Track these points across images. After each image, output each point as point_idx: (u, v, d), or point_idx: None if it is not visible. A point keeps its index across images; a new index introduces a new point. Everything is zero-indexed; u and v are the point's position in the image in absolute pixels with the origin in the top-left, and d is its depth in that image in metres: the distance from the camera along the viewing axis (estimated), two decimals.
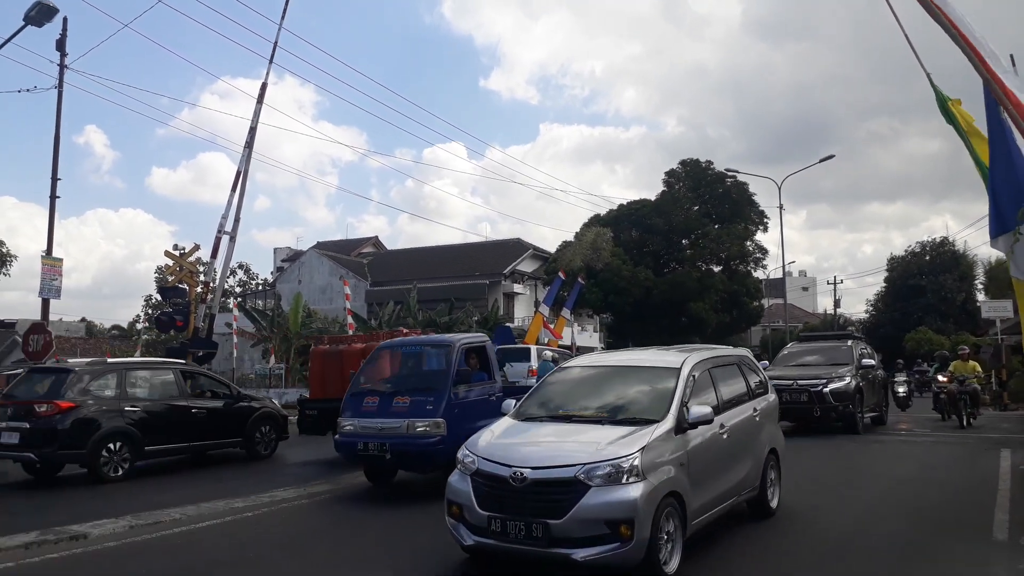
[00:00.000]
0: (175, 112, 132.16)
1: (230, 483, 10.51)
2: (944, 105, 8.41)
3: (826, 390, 14.82)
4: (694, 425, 6.22)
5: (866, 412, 16.05)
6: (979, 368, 17.45)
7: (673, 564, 5.63)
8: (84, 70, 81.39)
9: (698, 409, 6.27)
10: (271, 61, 17.96)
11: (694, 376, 6.74)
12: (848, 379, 15.10)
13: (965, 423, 16.66)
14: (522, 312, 45.11)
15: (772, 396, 8.50)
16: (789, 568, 6.13)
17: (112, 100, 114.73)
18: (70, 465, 11.08)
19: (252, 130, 17.40)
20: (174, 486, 10.32)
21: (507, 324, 35.21)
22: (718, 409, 6.78)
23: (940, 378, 18.56)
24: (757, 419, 7.65)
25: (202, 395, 12.70)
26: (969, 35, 6.71)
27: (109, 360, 12.75)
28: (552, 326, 28.65)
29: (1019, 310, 8.07)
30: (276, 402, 15.40)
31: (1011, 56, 8.22)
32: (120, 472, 10.78)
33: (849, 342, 17.07)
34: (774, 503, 7.87)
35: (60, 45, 17.93)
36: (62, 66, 17.83)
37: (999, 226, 7.70)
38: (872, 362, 16.89)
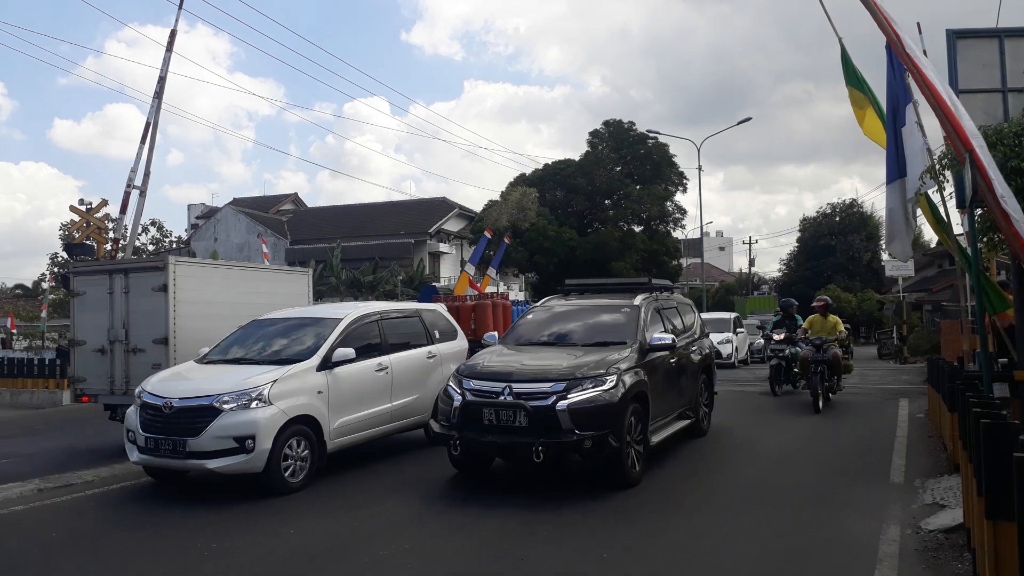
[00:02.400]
0: (79, 60, 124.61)
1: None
2: (851, 74, 8.76)
3: (561, 406, 6.90)
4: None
5: (661, 427, 8.42)
6: (841, 326, 13.28)
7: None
8: None
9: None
10: (180, 7, 17.12)
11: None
12: (609, 381, 7.14)
13: (820, 404, 12.10)
14: (448, 271, 44.96)
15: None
16: (702, 518, 6.39)
17: (8, 45, 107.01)
18: None
19: (161, 79, 16.63)
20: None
21: (433, 284, 35.08)
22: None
23: (776, 336, 14.72)
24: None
25: None
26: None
27: None
28: (479, 285, 28.69)
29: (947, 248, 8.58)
30: None
31: (917, 24, 8.58)
32: None
33: (639, 299, 8.81)
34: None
35: None
36: None
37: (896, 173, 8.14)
38: (668, 339, 8.25)
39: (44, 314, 31.59)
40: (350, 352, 7.95)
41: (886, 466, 8.06)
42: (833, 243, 52.93)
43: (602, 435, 6.73)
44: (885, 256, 50.21)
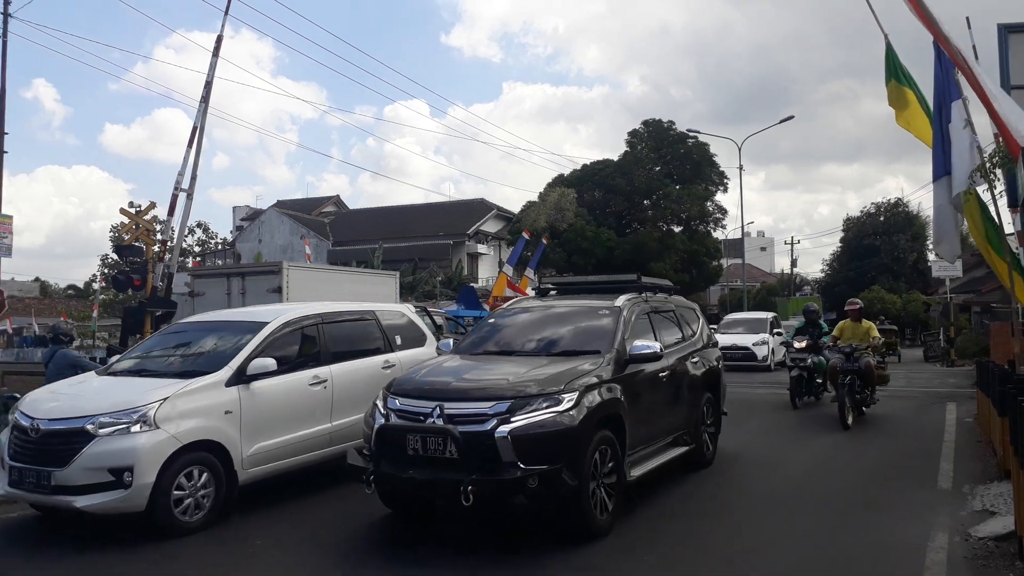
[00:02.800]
0: (128, 66, 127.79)
1: None
2: (893, 69, 8.59)
3: (501, 432, 5.41)
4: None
5: (646, 458, 6.83)
6: (875, 332, 11.61)
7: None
8: (30, 19, 77.95)
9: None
10: (226, 13, 17.40)
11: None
12: (567, 400, 5.66)
13: (850, 419, 10.62)
14: (486, 272, 45.11)
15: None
16: (740, 518, 6.34)
17: (61, 52, 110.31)
18: None
19: (208, 84, 16.90)
20: None
21: (471, 284, 35.23)
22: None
23: (797, 344, 13.07)
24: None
25: None
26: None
27: None
28: (517, 285, 28.76)
29: (991, 266, 8.34)
30: None
31: (966, 18, 8.39)
32: None
33: (621, 301, 7.32)
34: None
35: None
36: (6, 15, 17.11)
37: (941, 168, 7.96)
38: (652, 349, 6.71)
39: (95, 314, 32.42)
40: (270, 363, 6.54)
41: (934, 471, 7.90)
42: (877, 243, 51.88)
43: (553, 470, 5.18)
44: (931, 256, 49.06)
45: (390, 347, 8.18)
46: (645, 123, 42.48)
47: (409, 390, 5.89)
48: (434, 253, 41.72)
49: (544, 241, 31.66)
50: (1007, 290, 8.39)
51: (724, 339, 21.97)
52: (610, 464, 5.80)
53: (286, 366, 6.87)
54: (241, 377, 6.43)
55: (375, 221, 49.19)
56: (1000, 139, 6.80)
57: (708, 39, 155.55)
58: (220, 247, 55.47)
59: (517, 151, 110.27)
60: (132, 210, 18.53)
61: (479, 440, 5.29)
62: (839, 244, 57.41)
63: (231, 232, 56.04)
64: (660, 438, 7.08)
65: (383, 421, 5.73)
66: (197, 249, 54.58)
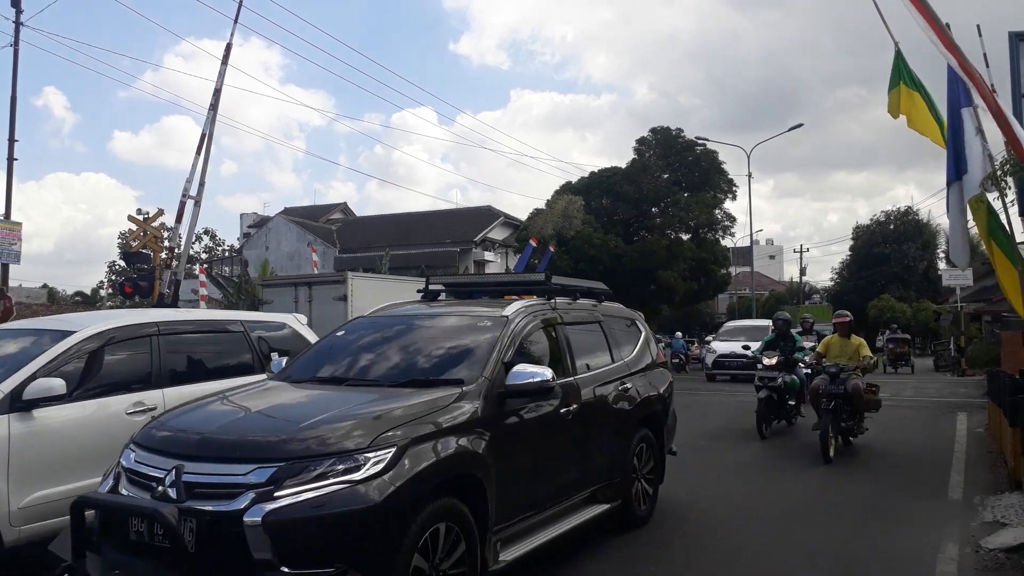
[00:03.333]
0: (138, 74, 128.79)
1: None
2: (901, 74, 8.55)
3: (252, 517, 3.45)
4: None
5: (535, 528, 4.93)
6: (866, 350, 10.00)
7: None
8: (41, 28, 78.65)
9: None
10: (236, 21, 17.48)
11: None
12: (370, 462, 3.72)
13: (832, 451, 8.98)
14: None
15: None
16: (753, 527, 6.27)
17: (72, 60, 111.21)
18: None
19: (217, 92, 16.98)
20: None
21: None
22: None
23: (766, 360, 11.24)
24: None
25: None
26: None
27: None
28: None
29: (997, 276, 8.26)
30: None
31: (977, 27, 8.34)
32: None
33: (512, 309, 5.42)
34: None
35: (15, 0, 17.32)
36: (17, 23, 17.25)
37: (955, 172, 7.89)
38: (541, 377, 4.72)
39: None
40: (55, 385, 4.84)
41: (944, 482, 7.82)
42: (887, 252, 51.70)
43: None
44: (942, 265, 48.85)
45: (261, 366, 6.34)
46: (653, 130, 42.46)
47: (153, 440, 4.08)
48: (441, 260, 41.75)
49: (551, 248, 31.73)
50: (1008, 301, 8.30)
51: (723, 347, 22.21)
52: (450, 549, 3.94)
53: (96, 389, 5.30)
54: (15, 403, 4.75)
55: (382, 228, 49.29)
56: (1010, 147, 6.74)
57: (716, 47, 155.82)
58: (227, 254, 55.65)
59: (524, 158, 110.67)
60: (140, 217, 18.66)
61: (222, 526, 3.47)
62: (848, 252, 57.32)
63: (238, 239, 56.27)
64: (563, 497, 5.20)
65: (108, 486, 4.08)
66: (204, 256, 54.77)
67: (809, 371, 10.96)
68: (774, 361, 11.09)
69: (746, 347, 16.00)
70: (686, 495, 7.21)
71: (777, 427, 11.30)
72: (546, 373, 4.65)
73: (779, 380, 10.92)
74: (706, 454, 9.56)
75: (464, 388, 4.41)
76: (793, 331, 11.79)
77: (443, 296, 6.47)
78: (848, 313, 10.55)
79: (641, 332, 6.96)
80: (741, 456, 9.66)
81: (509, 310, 5.29)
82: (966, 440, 10.53)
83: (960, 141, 7.71)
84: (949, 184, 8.00)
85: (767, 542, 5.83)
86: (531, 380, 4.60)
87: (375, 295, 12.54)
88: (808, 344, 13.12)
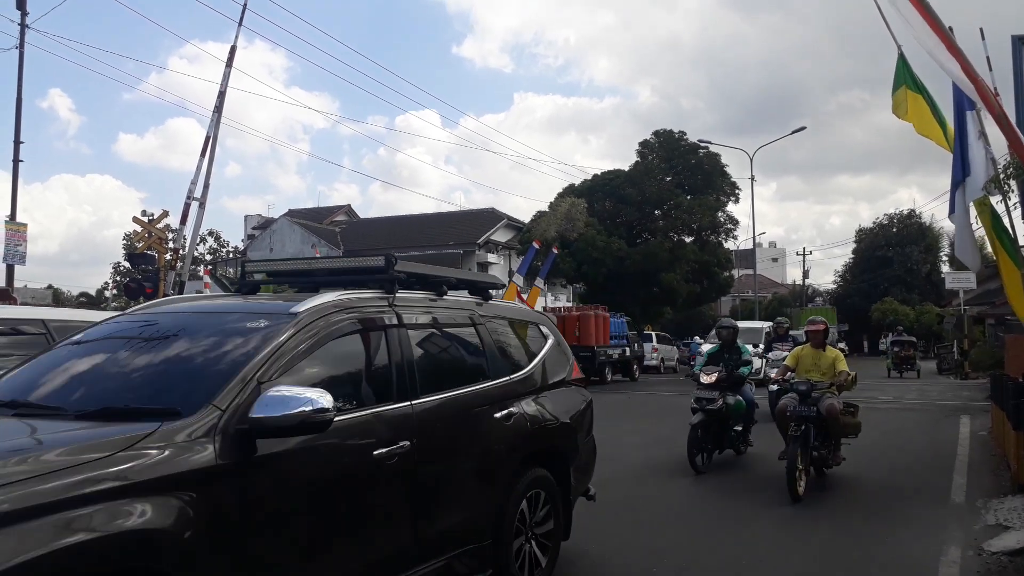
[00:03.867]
0: (143, 76, 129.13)
1: None
2: (904, 78, 8.56)
3: None
4: None
5: None
6: (843, 364, 8.36)
7: None
8: (46, 30, 78.91)
9: None
10: (240, 23, 17.59)
11: None
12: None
13: (802, 486, 7.33)
14: None
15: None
16: (755, 529, 6.28)
17: (77, 63, 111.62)
18: None
19: (221, 94, 17.07)
20: None
21: None
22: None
23: (704, 378, 9.20)
24: None
25: None
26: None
27: None
28: (525, 296, 28.76)
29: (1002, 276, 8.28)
30: None
31: (980, 29, 8.36)
32: None
33: (307, 306, 3.68)
34: None
35: (21, 3, 17.40)
36: (23, 25, 17.33)
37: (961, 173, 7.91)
38: (315, 402, 2.99)
39: None
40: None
41: (947, 485, 7.82)
42: (890, 254, 51.70)
43: None
44: (945, 268, 48.76)
45: None
46: (656, 133, 42.49)
47: None
48: (444, 262, 41.68)
49: (554, 251, 31.68)
50: (1011, 304, 8.32)
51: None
52: None
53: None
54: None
55: (386, 230, 49.36)
56: (1012, 150, 6.75)
57: (719, 51, 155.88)
58: (231, 255, 55.75)
59: (528, 161, 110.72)
60: (145, 218, 18.72)
61: None
62: (851, 255, 57.32)
63: (243, 240, 56.33)
64: (385, 570, 3.61)
65: None
66: (208, 257, 54.84)
67: (776, 387, 9.04)
68: (713, 378, 8.89)
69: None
70: (604, 552, 5.46)
71: (722, 458, 9.22)
72: (318, 399, 2.98)
73: (719, 402, 8.71)
74: (644, 490, 7.63)
75: (173, 423, 2.82)
76: (740, 342, 9.80)
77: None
78: (823, 320, 8.58)
79: (546, 340, 5.35)
80: (688, 494, 7.64)
81: (302, 306, 3.63)
82: (969, 443, 10.53)
83: (964, 143, 7.73)
84: (955, 186, 8.02)
85: None
86: (290, 411, 2.91)
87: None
88: (782, 353, 12.31)
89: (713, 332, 23.02)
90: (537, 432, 4.76)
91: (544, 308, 24.99)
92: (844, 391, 8.29)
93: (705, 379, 8.97)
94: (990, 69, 8.92)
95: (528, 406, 4.74)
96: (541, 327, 5.48)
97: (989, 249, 8.46)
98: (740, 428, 9.25)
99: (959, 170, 7.93)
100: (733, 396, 8.96)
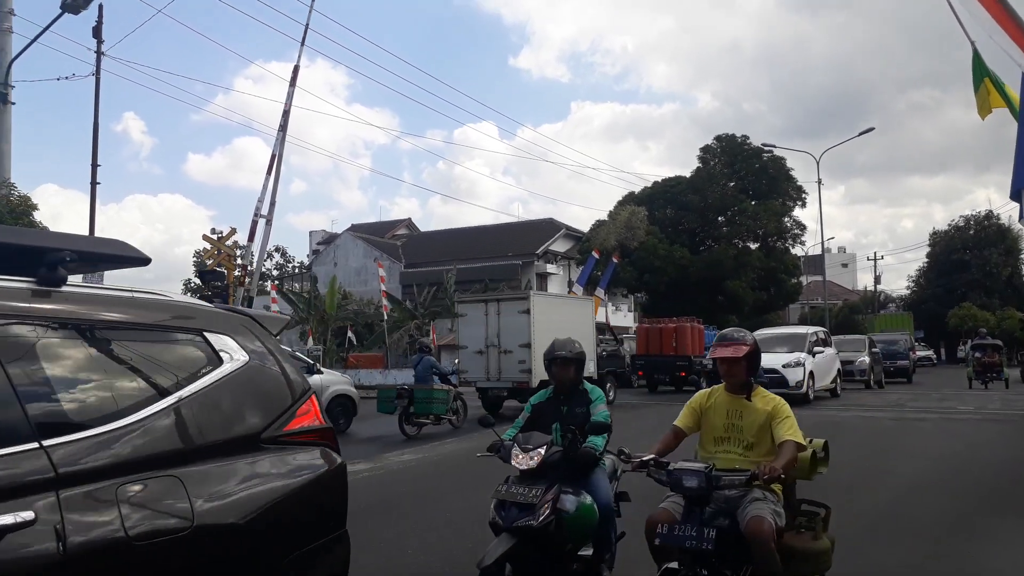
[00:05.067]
0: (210, 97, 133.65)
1: None
2: (984, 71, 8.18)
3: None
4: None
5: None
6: (790, 430, 3.72)
7: None
8: (120, 56, 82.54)
9: None
10: (303, 43, 18.02)
11: None
12: None
13: None
14: (556, 292, 45.05)
15: None
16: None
17: (148, 87, 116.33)
18: None
19: (285, 113, 17.50)
20: None
21: None
22: None
23: (517, 461, 4.10)
24: None
25: None
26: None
27: None
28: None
29: None
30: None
31: None
32: None
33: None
34: None
35: (96, 32, 18.19)
36: (99, 53, 18.09)
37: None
38: None
39: None
40: None
41: None
42: (967, 258, 49.70)
43: None
44: None
45: None
46: (718, 138, 41.88)
47: None
48: (503, 274, 41.88)
49: (615, 260, 31.44)
50: None
51: None
52: None
53: None
54: None
55: (445, 243, 49.81)
56: None
57: (782, 52, 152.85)
58: (297, 271, 57.05)
59: (586, 170, 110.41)
60: (214, 236, 19.27)
61: None
62: (925, 259, 55.31)
63: (308, 256, 57.62)
64: None
65: None
66: (275, 273, 56.22)
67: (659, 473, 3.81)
68: (534, 463, 4.12)
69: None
70: None
71: None
72: None
73: (541, 512, 3.91)
74: None
75: None
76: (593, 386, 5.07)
77: None
78: (740, 338, 4.03)
79: (218, 363, 2.73)
80: None
81: None
82: None
83: None
84: (1020, 190, 7.63)
85: None
86: None
87: (549, 309, 16.78)
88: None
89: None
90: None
91: (641, 321, 25.69)
92: (788, 484, 3.95)
93: (518, 461, 4.16)
94: None
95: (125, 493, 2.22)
96: (209, 336, 2.79)
97: None
98: (590, 552, 4.34)
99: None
100: (572, 496, 4.12)
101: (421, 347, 15.54)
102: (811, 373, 17.62)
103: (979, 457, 10.08)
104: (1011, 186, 7.79)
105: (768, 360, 16.67)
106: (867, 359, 24.41)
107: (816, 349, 18.47)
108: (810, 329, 20.33)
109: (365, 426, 14.71)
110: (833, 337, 26.52)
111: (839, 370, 20.16)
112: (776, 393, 4.16)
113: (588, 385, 4.67)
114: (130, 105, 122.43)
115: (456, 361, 17.51)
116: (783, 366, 17.02)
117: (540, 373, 15.40)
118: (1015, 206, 8.13)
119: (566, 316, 16.97)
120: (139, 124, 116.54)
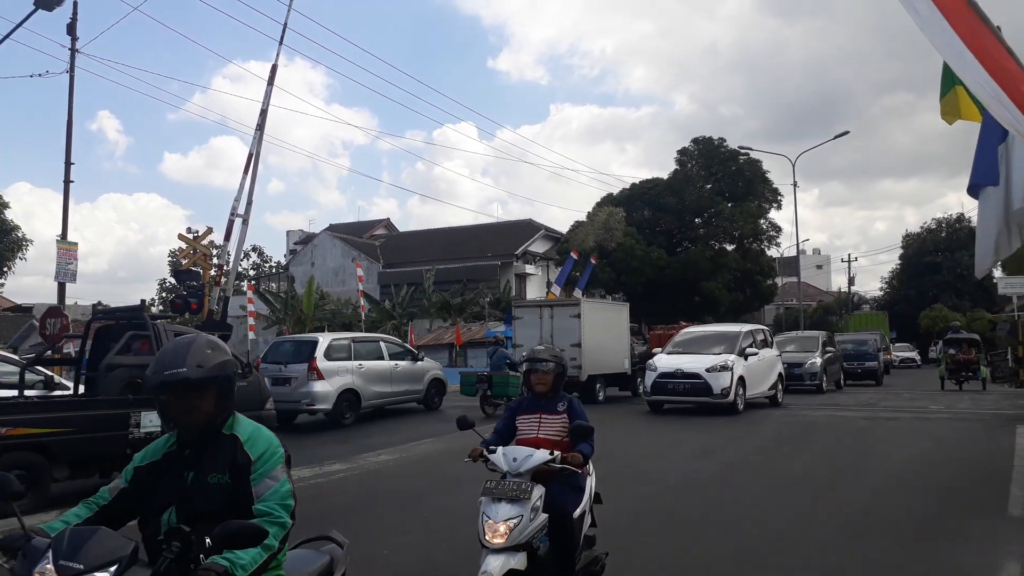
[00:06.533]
0: (187, 96, 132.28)
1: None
2: (954, 79, 8.35)
3: None
4: None
5: None
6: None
7: None
8: (95, 54, 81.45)
9: None
10: (281, 42, 17.97)
11: None
12: None
13: None
14: (534, 293, 45.08)
15: None
16: (810, 542, 6.13)
17: (124, 84, 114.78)
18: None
19: (263, 112, 17.35)
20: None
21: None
22: None
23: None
24: None
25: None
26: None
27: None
28: None
29: None
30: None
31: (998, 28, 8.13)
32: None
33: None
34: None
35: (71, 29, 17.95)
36: (73, 50, 17.86)
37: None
38: None
39: None
40: None
41: (1003, 497, 7.54)
42: (939, 260, 50.53)
43: None
44: (997, 273, 47.39)
45: None
46: (695, 141, 42.18)
47: None
48: (482, 274, 41.88)
49: (593, 261, 31.60)
50: None
51: (667, 362, 16.04)
52: None
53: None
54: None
55: (424, 243, 49.69)
56: None
57: (759, 56, 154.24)
58: (274, 271, 56.63)
59: (564, 171, 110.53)
60: (190, 235, 19.08)
61: None
62: (898, 261, 56.13)
63: (285, 256, 57.22)
64: None
65: None
66: (252, 273, 55.76)
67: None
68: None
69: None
70: None
71: None
72: None
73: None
74: None
75: None
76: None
77: None
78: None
79: None
80: None
81: None
82: None
83: (994, 145, 7.54)
84: (974, 187, 7.86)
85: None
86: None
87: (596, 314, 18.96)
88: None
89: (676, 338, 18.33)
90: None
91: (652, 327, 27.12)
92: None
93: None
94: None
95: None
96: None
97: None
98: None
99: (983, 174, 7.74)
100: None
101: (496, 341, 18.64)
102: (741, 379, 15.41)
103: (948, 456, 10.26)
104: (969, 180, 8.03)
105: (690, 364, 15.44)
106: (818, 360, 21.49)
107: (749, 351, 16.28)
108: (744, 327, 17.82)
109: (452, 404, 17.49)
110: (783, 335, 25.62)
111: (781, 374, 17.81)
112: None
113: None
114: (105, 103, 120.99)
115: (523, 355, 19.78)
116: (707, 370, 15.22)
117: (588, 368, 17.78)
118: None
119: (607, 319, 19.48)
120: (114, 123, 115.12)
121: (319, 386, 14.09)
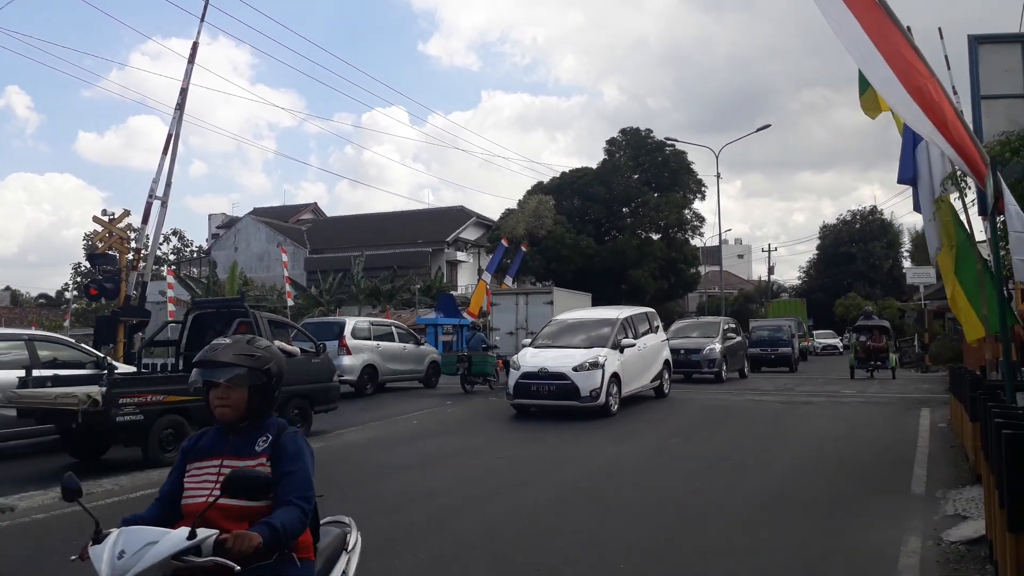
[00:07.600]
0: (103, 73, 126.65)
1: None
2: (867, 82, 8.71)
3: None
4: None
5: None
6: None
7: None
8: (4, 26, 77.05)
9: None
10: (203, 19, 17.30)
11: None
12: None
13: None
14: (465, 280, 45.04)
15: None
16: (722, 522, 6.33)
17: (35, 59, 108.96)
18: None
19: (183, 91, 16.77)
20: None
21: (450, 292, 35.15)
22: None
23: None
24: None
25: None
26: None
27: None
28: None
29: (942, 279, 8.53)
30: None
31: (939, 29, 8.53)
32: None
33: None
34: None
35: None
36: None
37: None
38: None
39: (67, 323, 31.96)
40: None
41: (907, 476, 7.95)
42: (853, 250, 52.62)
43: None
44: (907, 263, 49.72)
45: None
46: (623, 131, 42.76)
47: None
48: (413, 261, 41.59)
49: (523, 248, 31.68)
50: (959, 322, 8.51)
51: (531, 360, 13.17)
52: None
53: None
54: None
55: (353, 229, 48.98)
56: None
57: (686, 50, 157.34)
58: (196, 255, 54.91)
59: (496, 159, 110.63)
60: (105, 218, 18.30)
61: None
62: (816, 251, 58.17)
63: (207, 240, 55.55)
64: None
65: None
66: (172, 257, 53.94)
67: None
68: None
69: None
70: None
71: None
72: None
73: None
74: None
75: None
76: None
77: None
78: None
79: None
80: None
81: None
82: (929, 435, 10.71)
83: (913, 140, 7.93)
84: (904, 181, 8.26)
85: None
86: None
87: (568, 302, 21.25)
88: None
89: (544, 328, 15.32)
90: None
91: None
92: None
93: None
94: (948, 68, 9.12)
95: None
96: None
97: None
98: None
99: (909, 168, 8.14)
100: None
101: (473, 326, 20.68)
102: (615, 376, 12.95)
103: (858, 437, 10.75)
104: (898, 174, 8.43)
105: (556, 362, 12.79)
106: (717, 347, 20.23)
107: (626, 342, 13.68)
108: (622, 312, 14.91)
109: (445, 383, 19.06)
110: (683, 321, 25.73)
111: (668, 361, 15.82)
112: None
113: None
114: (15, 79, 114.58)
115: (497, 339, 21.37)
116: (574, 369, 12.49)
117: None
118: (897, 201, 8.78)
119: (574, 307, 20.83)
120: (24, 99, 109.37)
121: (347, 360, 16.29)
